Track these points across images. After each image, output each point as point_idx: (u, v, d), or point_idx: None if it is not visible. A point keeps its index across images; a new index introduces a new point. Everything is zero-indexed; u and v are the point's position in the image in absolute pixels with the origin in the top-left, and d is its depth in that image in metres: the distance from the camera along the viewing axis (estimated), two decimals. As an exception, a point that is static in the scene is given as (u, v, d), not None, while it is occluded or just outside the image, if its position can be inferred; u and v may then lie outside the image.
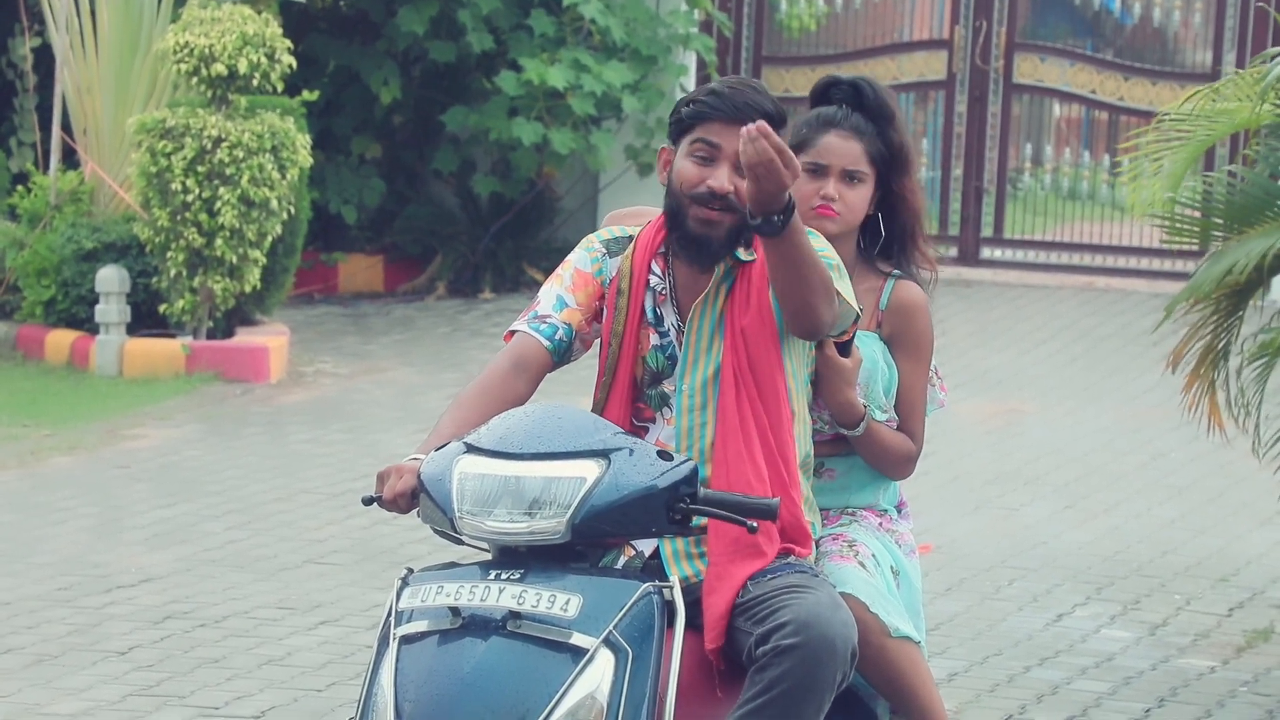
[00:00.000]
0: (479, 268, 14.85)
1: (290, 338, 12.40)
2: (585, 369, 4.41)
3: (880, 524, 4.36)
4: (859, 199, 4.38)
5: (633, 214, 4.39)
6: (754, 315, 4.09)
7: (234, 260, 11.59)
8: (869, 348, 4.37)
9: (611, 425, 3.89)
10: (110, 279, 11.69)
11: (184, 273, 11.63)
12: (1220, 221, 7.07)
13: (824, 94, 4.51)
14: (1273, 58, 7.00)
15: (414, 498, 3.90)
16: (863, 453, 4.34)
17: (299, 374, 12.00)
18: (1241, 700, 6.57)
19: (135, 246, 11.91)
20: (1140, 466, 10.09)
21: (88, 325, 11.92)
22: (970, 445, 10.48)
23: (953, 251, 15.27)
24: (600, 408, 4.19)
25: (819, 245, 4.15)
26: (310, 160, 12.01)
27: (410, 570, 3.85)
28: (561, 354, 4.19)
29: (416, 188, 15.26)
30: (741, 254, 4.14)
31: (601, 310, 4.21)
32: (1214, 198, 7.20)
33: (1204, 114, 7.36)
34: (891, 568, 4.28)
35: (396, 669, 3.67)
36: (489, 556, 3.82)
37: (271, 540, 8.33)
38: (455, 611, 3.67)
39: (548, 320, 4.18)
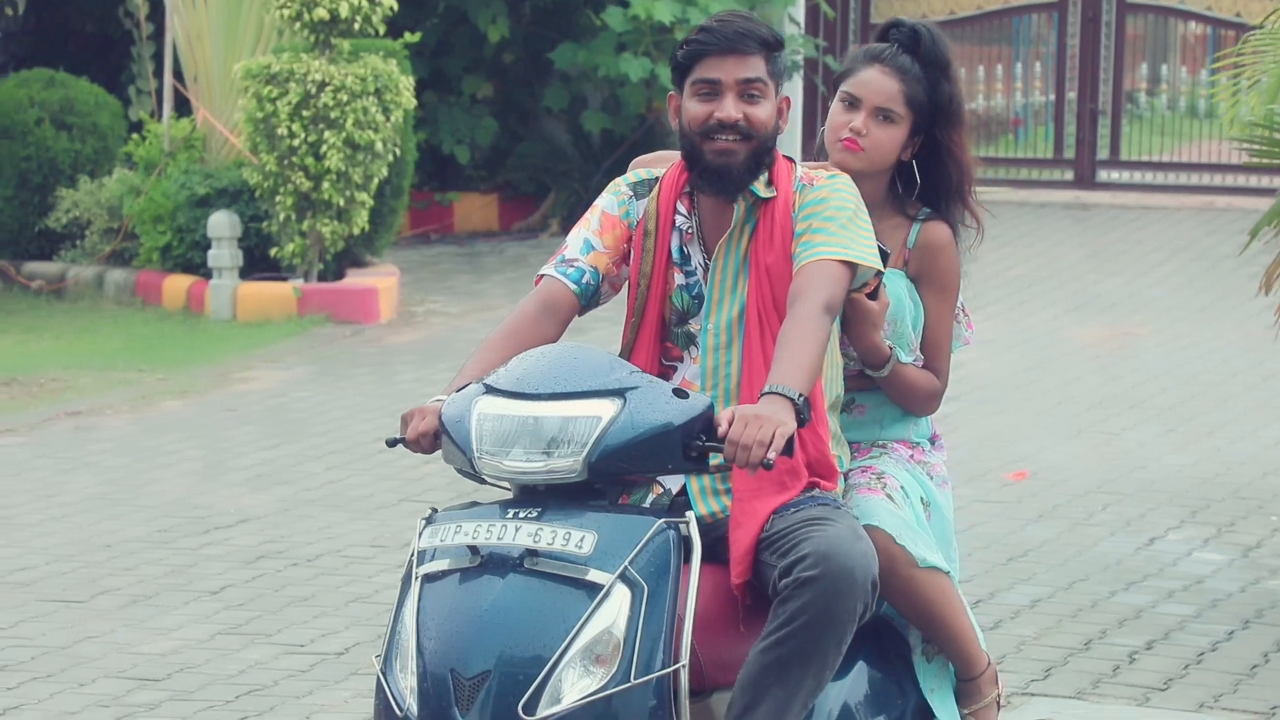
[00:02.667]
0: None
1: (401, 278, 12.52)
2: (617, 309, 4.44)
3: (911, 456, 4.35)
4: (888, 139, 4.34)
5: (658, 158, 4.40)
6: (778, 253, 4.09)
7: (341, 203, 11.72)
8: (895, 286, 4.35)
9: (628, 364, 3.91)
10: (221, 224, 11.86)
11: (293, 216, 11.78)
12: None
13: (884, 35, 4.50)
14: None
15: (436, 439, 3.95)
16: (888, 392, 4.34)
17: (409, 314, 12.12)
18: (1328, 621, 6.51)
19: (246, 192, 12.07)
20: (1250, 388, 9.97)
21: (203, 270, 12.11)
22: (1077, 371, 10.40)
23: (1068, 175, 15.12)
24: (629, 348, 4.21)
25: (841, 187, 4.13)
26: (414, 102, 12.08)
27: (435, 510, 3.90)
28: (589, 297, 4.22)
29: (528, 126, 15.33)
30: (762, 191, 4.14)
31: (630, 252, 4.23)
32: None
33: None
34: (922, 499, 4.27)
35: (419, 607, 3.72)
36: (510, 496, 3.87)
37: (370, 480, 8.45)
38: (474, 550, 3.72)
39: (575, 264, 4.20)
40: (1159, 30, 16.06)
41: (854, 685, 4.07)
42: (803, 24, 15.06)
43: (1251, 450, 8.76)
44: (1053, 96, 15.47)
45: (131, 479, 8.51)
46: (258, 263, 12.16)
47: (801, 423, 3.78)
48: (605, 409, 3.75)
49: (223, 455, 8.90)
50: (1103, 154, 15.14)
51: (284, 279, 12.05)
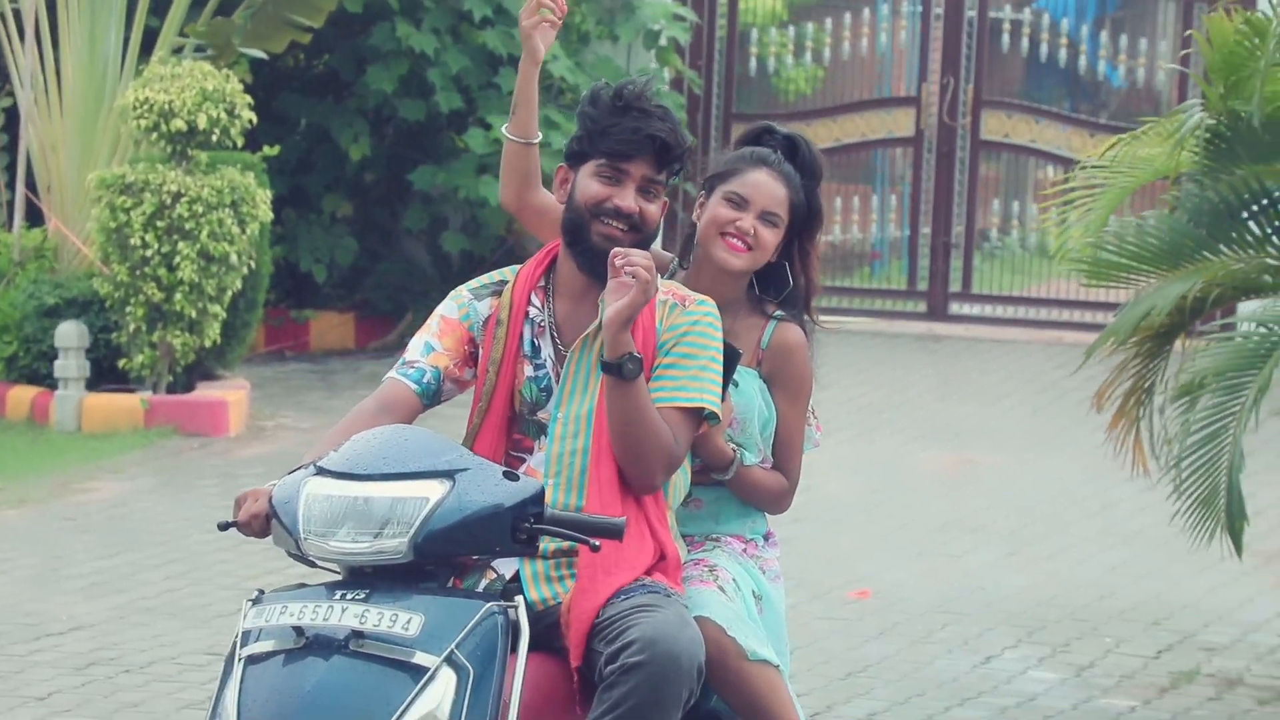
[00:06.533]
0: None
1: (252, 393, 12.43)
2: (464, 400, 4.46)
3: (744, 550, 4.38)
4: (772, 242, 4.43)
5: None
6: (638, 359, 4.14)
7: (193, 315, 11.63)
8: (748, 385, 4.40)
9: (459, 446, 3.93)
10: (69, 334, 11.74)
11: (143, 328, 11.67)
12: (1141, 266, 7.12)
13: (756, 140, 4.56)
14: (1190, 108, 7.08)
15: (268, 521, 3.93)
16: (736, 492, 4.39)
17: (259, 428, 12.03)
18: (1157, 739, 6.58)
19: (96, 302, 11.96)
20: (1089, 515, 10.10)
21: (49, 381, 11.95)
22: (922, 495, 10.49)
23: (921, 307, 15.32)
24: (474, 435, 4.25)
25: (709, 317, 4.18)
26: (270, 215, 12.06)
27: (262, 592, 3.88)
28: (431, 395, 4.29)
29: (388, 245, 15.32)
30: None
31: (472, 354, 4.29)
32: (1135, 243, 7.24)
33: (1125, 162, 7.44)
34: (754, 592, 4.30)
35: (241, 689, 3.69)
36: (340, 578, 3.85)
37: (209, 589, 8.34)
38: (299, 631, 3.69)
39: (415, 365, 4.28)
40: (1014, 169, 16.36)
41: (681, 780, 4.05)
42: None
43: (1089, 575, 8.85)
44: (908, 231, 15.69)
45: (-38, 586, 8.35)
46: (106, 374, 12.02)
47: (625, 370, 4.00)
48: (433, 490, 3.76)
49: (57, 564, 8.75)
50: (955, 287, 15.35)
51: (132, 390, 11.93)
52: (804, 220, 4.46)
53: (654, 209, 4.23)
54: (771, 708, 4.18)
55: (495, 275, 4.38)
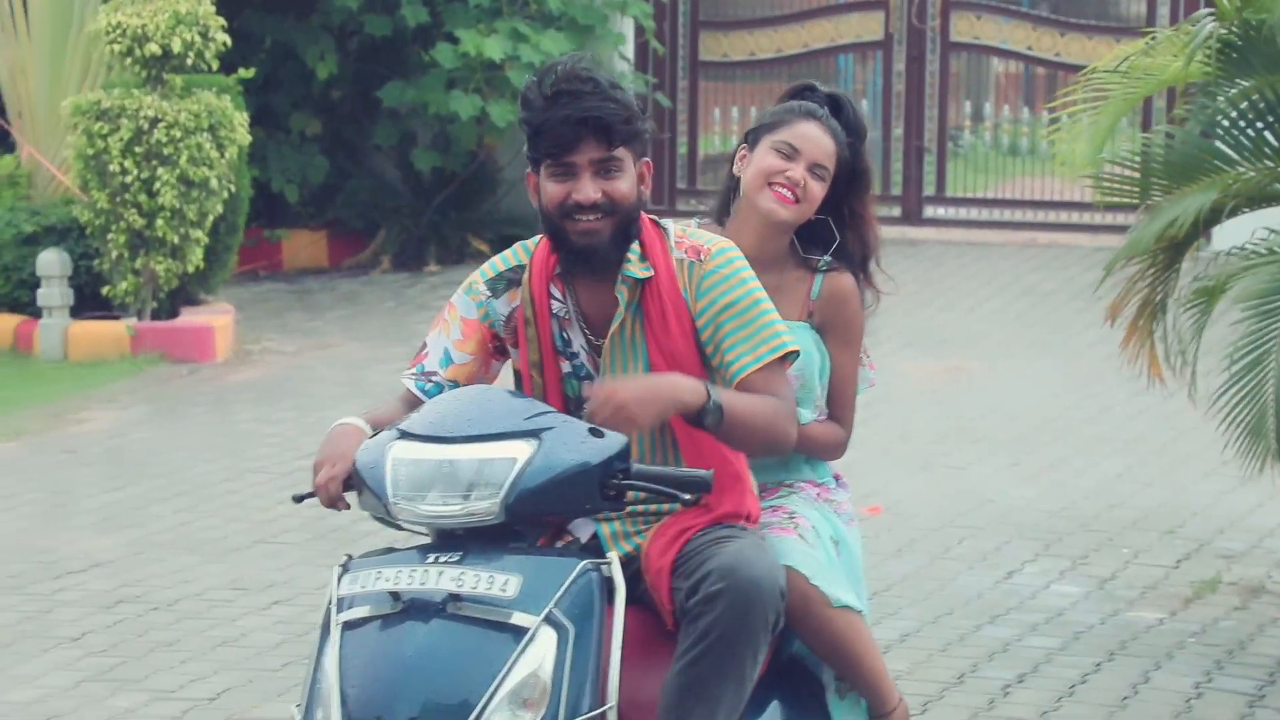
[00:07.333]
0: (423, 240, 14.83)
1: (236, 316, 12.37)
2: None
3: (819, 494, 4.39)
4: (819, 195, 4.40)
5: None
6: (675, 334, 4.05)
7: (176, 240, 11.56)
8: (802, 339, 4.36)
9: (542, 404, 3.90)
10: (51, 262, 11.64)
11: (126, 254, 11.59)
12: (1156, 180, 7.11)
13: (799, 95, 4.55)
14: (1201, 19, 7.05)
15: (344, 486, 3.89)
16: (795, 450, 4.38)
17: (245, 352, 11.98)
18: (1190, 651, 6.62)
19: (76, 229, 11.86)
20: (1086, 421, 10.15)
21: (30, 309, 11.87)
22: (915, 404, 10.52)
23: (895, 211, 15.32)
24: None
25: (735, 261, 4.07)
26: (248, 138, 11.96)
27: (350, 557, 3.86)
28: None
29: (358, 162, 15.22)
30: (638, 272, 4.06)
31: (498, 347, 4.16)
32: (1151, 156, 7.23)
33: (1133, 71, 7.41)
34: (832, 538, 4.31)
35: (340, 655, 3.68)
36: (428, 540, 3.84)
37: (221, 521, 8.32)
38: (395, 596, 3.68)
39: (433, 379, 4.13)
40: (975, 67, 16.30)
41: (769, 725, 4.08)
42: (633, 60, 15.14)
43: (1094, 484, 8.90)
44: (877, 134, 15.63)
45: (-28, 524, 8.31)
46: (88, 301, 11.94)
47: (707, 423, 3.87)
48: (521, 450, 3.73)
49: (64, 498, 8.72)
50: (929, 190, 15.34)
51: (116, 318, 11.85)
52: (847, 179, 4.43)
53: (622, 184, 4.00)
54: (856, 652, 4.19)
55: (510, 258, 4.17)
